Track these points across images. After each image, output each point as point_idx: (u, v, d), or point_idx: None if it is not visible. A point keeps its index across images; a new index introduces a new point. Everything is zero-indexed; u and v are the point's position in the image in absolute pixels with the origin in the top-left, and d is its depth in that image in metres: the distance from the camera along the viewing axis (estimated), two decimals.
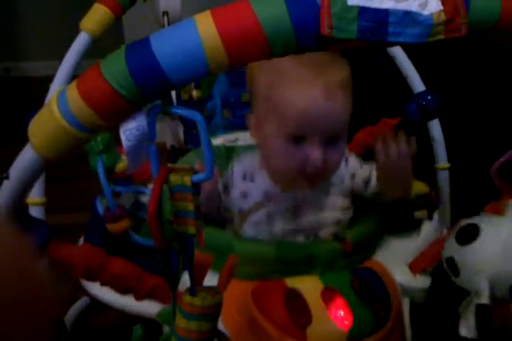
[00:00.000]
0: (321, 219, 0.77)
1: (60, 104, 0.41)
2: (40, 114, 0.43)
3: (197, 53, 0.37)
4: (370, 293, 0.65)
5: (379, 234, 0.79)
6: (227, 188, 0.80)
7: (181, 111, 0.43)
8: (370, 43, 0.35)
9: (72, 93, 0.40)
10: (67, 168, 1.18)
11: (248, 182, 0.79)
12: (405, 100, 1.08)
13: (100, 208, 0.75)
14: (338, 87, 0.69)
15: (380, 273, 0.71)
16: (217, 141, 0.97)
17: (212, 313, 0.51)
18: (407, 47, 1.05)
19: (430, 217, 0.87)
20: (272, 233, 0.77)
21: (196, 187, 0.46)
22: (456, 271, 0.62)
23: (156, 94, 0.40)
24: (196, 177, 0.46)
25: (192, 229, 0.47)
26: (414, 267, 0.75)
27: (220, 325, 0.62)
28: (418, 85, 1.07)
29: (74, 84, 0.41)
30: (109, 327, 1.23)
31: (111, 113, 0.40)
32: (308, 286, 0.65)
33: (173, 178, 0.46)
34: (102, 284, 0.65)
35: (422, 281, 0.74)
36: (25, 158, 0.47)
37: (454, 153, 1.11)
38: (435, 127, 1.08)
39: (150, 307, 0.66)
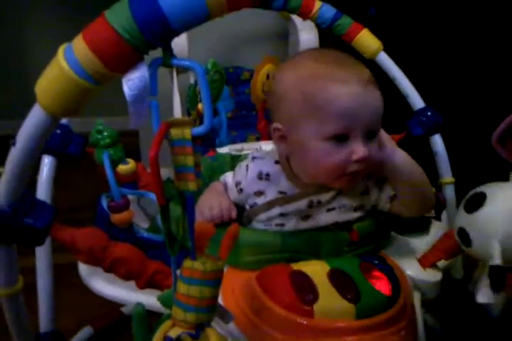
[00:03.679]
0: (333, 219, 0.75)
1: (67, 55, 0.43)
2: (47, 69, 0.45)
3: None
4: (378, 275, 0.63)
5: (387, 228, 0.78)
6: (239, 185, 0.81)
7: (181, 62, 0.45)
8: None
9: (78, 42, 0.42)
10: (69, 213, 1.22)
11: (264, 181, 0.79)
12: (406, 118, 1.12)
13: (105, 204, 0.76)
14: (370, 81, 0.70)
15: (390, 264, 0.70)
16: (223, 149, 0.99)
17: (213, 279, 0.51)
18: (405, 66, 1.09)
19: (438, 218, 0.86)
20: (282, 231, 0.76)
21: (196, 141, 0.48)
22: (468, 241, 0.63)
23: (158, 39, 0.42)
24: (196, 130, 0.47)
25: (192, 186, 0.48)
26: (424, 261, 0.75)
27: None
28: (418, 103, 1.10)
29: (80, 34, 0.43)
30: None
31: (114, 59, 0.42)
32: (315, 268, 0.63)
33: (174, 132, 0.48)
34: (105, 269, 0.65)
35: (432, 275, 0.73)
36: (32, 121, 0.48)
37: (458, 167, 1.11)
38: (438, 142, 1.10)
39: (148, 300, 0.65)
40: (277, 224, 0.76)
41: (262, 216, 0.77)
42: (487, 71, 1.44)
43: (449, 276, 0.77)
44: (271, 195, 0.77)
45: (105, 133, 0.75)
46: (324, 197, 0.76)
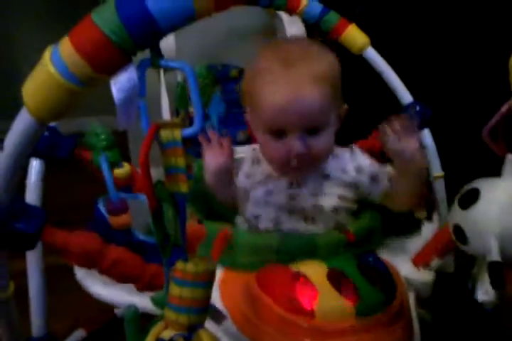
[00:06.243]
0: (317, 203, 0.77)
1: (54, 57, 0.42)
2: (34, 73, 0.44)
3: None
4: (375, 274, 0.63)
5: (380, 229, 0.79)
6: (235, 170, 0.83)
7: (169, 63, 0.45)
8: None
9: (65, 43, 0.42)
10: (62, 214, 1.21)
11: (255, 165, 0.83)
12: (394, 112, 1.11)
13: (102, 209, 0.76)
14: (310, 80, 0.71)
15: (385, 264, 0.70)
16: None
17: (205, 281, 0.50)
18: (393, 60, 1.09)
19: (429, 218, 0.87)
20: (269, 211, 0.78)
21: (186, 143, 0.47)
22: (464, 238, 0.62)
23: (146, 40, 0.41)
24: (186, 131, 0.47)
25: (184, 187, 0.48)
26: (417, 261, 0.75)
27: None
28: (406, 97, 1.10)
29: (66, 36, 0.42)
30: None
31: (101, 61, 0.41)
32: (313, 269, 0.64)
33: (164, 134, 0.47)
34: (102, 272, 0.64)
35: (425, 275, 0.74)
36: (20, 126, 0.46)
37: (448, 161, 1.12)
38: (427, 137, 1.10)
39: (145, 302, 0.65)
40: (265, 204, 0.79)
41: (252, 197, 0.80)
42: (476, 65, 1.45)
43: (440, 271, 0.77)
44: (258, 176, 0.82)
45: (102, 136, 0.74)
46: (306, 178, 0.79)
